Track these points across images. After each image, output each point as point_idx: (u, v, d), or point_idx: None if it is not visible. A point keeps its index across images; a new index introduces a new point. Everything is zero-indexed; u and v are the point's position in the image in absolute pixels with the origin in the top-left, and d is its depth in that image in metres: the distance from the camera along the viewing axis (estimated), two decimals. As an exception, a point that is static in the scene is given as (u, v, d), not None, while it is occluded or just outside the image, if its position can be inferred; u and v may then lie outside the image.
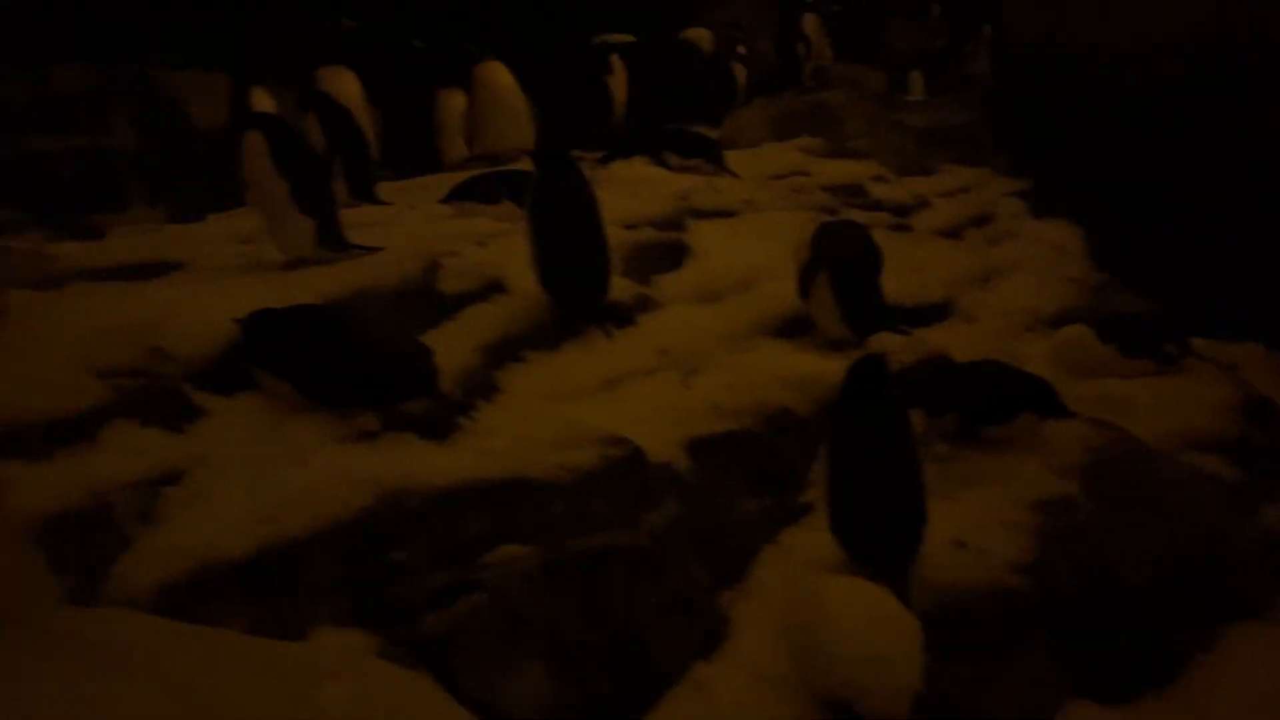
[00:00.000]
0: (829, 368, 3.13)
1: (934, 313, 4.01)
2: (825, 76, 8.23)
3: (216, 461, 2.40)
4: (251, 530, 2.19)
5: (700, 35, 8.43)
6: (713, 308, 3.84)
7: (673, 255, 4.17)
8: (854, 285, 3.50)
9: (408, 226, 4.07)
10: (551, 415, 2.86)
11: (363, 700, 1.12)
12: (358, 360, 2.59)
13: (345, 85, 5.84)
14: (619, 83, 7.18)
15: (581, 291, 3.37)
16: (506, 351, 3.17)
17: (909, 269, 4.18)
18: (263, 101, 5.56)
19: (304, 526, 2.23)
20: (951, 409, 3.20)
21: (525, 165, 5.22)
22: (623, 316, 3.52)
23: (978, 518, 2.79)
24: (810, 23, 7.58)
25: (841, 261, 3.49)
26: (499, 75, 6.14)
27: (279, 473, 2.35)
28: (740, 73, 7.96)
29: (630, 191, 4.76)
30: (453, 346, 3.02)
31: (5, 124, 6.91)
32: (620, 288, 3.59)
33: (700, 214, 4.59)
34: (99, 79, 6.72)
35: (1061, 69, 6.56)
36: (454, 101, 6.62)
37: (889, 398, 2.56)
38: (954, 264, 4.51)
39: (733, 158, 5.79)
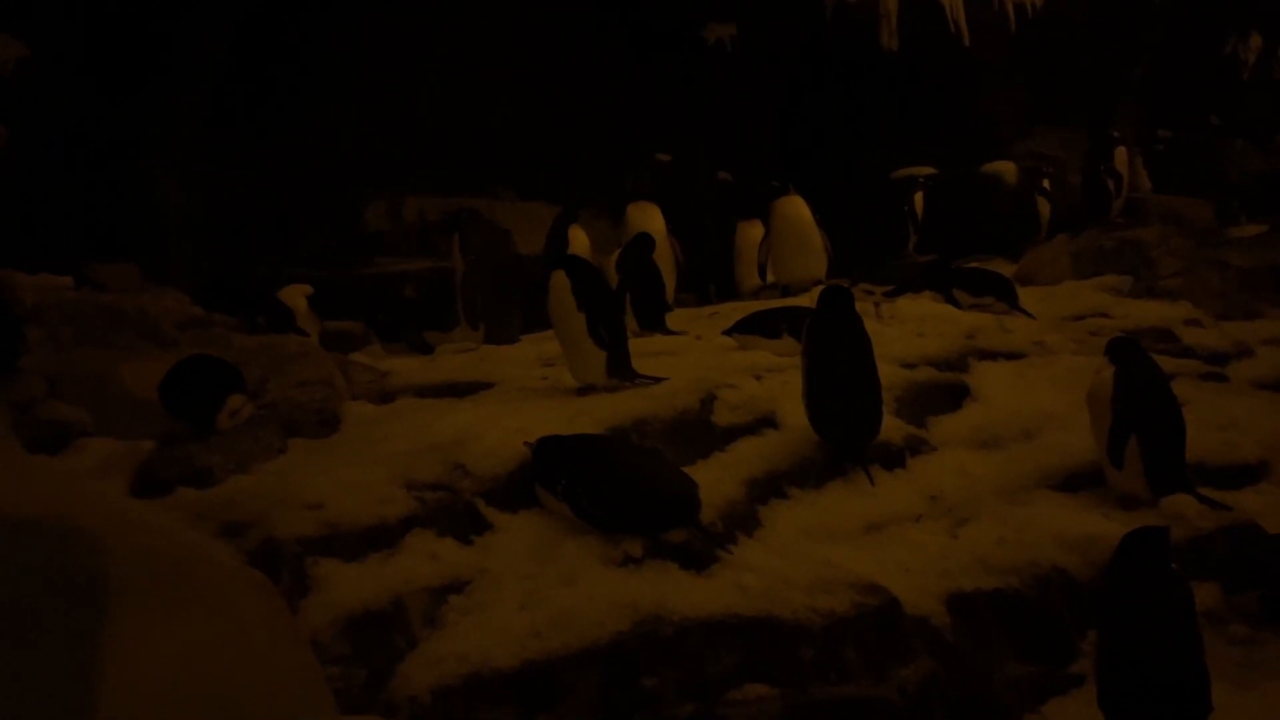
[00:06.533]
0: (1114, 529, 2.95)
1: (1244, 475, 3.67)
2: (1142, 210, 7.77)
3: (496, 575, 2.66)
4: (521, 644, 2.42)
5: (1005, 168, 8.32)
6: (991, 455, 3.73)
7: (952, 397, 4.09)
8: (1164, 448, 3.31)
9: (692, 357, 4.29)
10: (809, 555, 2.91)
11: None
12: (626, 491, 2.79)
13: (650, 220, 6.27)
14: (917, 216, 7.21)
15: (850, 432, 3.41)
16: (772, 487, 3.26)
17: (1217, 425, 3.87)
18: (578, 238, 6.07)
19: (566, 645, 2.43)
20: (1254, 586, 2.93)
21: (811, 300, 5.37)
22: (893, 458, 3.51)
23: (1280, 713, 2.52)
24: (1121, 156, 7.25)
25: (1152, 424, 3.31)
26: (797, 209, 6.35)
27: (549, 591, 2.57)
28: (1044, 207, 7.76)
29: (914, 329, 4.73)
30: (720, 478, 3.16)
31: (362, 247, 7.98)
32: (892, 428, 3.59)
33: (986, 354, 4.48)
34: (443, 209, 7.64)
35: None
36: (752, 233, 6.91)
37: (1167, 571, 2.41)
38: (1276, 421, 4.10)
39: (1029, 295, 5.61)
